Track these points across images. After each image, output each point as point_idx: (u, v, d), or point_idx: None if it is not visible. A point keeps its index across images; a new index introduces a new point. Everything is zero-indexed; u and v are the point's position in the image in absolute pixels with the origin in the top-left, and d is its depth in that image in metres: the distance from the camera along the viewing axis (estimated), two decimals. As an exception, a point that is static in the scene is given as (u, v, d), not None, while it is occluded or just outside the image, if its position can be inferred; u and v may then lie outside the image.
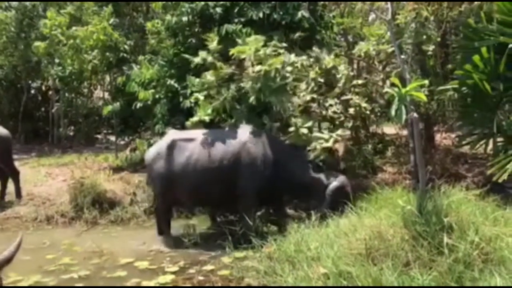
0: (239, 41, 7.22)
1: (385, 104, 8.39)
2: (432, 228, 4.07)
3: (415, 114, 4.65)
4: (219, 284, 4.87)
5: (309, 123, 6.53)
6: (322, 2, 9.46)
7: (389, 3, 5.73)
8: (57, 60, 13.02)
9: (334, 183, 5.99)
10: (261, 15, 8.17)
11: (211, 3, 8.58)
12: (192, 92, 7.64)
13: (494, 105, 5.51)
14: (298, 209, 7.12)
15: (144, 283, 4.98)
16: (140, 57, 9.74)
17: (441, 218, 4.11)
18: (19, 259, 5.65)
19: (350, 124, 7.42)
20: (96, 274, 5.30)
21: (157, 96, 8.93)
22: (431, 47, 8.72)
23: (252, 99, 6.66)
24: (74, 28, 10.74)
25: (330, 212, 5.37)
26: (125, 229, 7.26)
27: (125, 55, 10.64)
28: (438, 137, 10.51)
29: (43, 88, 16.57)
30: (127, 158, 9.75)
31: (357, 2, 10.51)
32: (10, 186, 8.36)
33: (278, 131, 6.94)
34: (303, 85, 7.24)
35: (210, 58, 7.14)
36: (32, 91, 16.49)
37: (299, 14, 8.30)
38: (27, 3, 14.37)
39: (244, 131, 6.40)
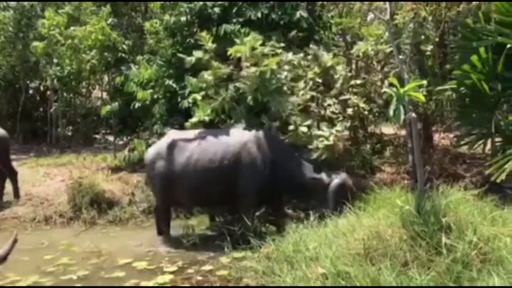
0: (238, 41, 7.22)
1: (383, 104, 8.41)
2: (430, 228, 4.07)
3: (413, 114, 4.65)
4: (218, 284, 4.87)
5: (308, 122, 6.54)
6: (320, 2, 9.47)
7: (387, 3, 5.74)
8: (55, 60, 13.00)
9: (336, 181, 5.97)
10: (259, 15, 8.18)
11: (209, 3, 8.58)
12: (190, 92, 7.65)
13: (492, 105, 5.51)
14: (297, 209, 7.13)
15: (143, 284, 4.97)
16: (139, 57, 9.72)
17: (439, 218, 4.12)
18: (18, 259, 5.72)
19: (348, 124, 7.43)
20: (95, 275, 5.28)
21: (155, 96, 8.93)
22: (430, 47, 8.74)
23: (249, 99, 6.66)
24: (72, 28, 10.73)
25: (335, 210, 5.37)
26: (123, 229, 7.25)
27: (123, 55, 10.63)
28: (436, 137, 10.52)
29: (41, 88, 16.53)
30: (126, 158, 9.73)
31: (356, 2, 10.50)
32: (8, 186, 8.34)
33: (277, 131, 6.95)
34: (301, 84, 7.24)
35: (206, 57, 7.14)
36: (30, 91, 16.43)
37: (298, 14, 8.31)
38: (25, 3, 14.33)
39: (244, 131, 6.39)
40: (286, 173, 6.15)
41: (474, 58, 5.30)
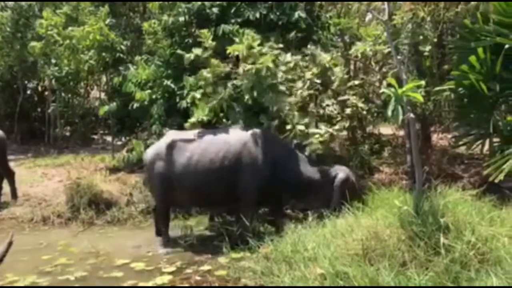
0: (237, 39, 7.22)
1: (381, 104, 8.41)
2: (429, 228, 4.08)
3: (412, 115, 4.66)
4: (216, 284, 4.87)
5: (306, 120, 6.54)
6: (319, 3, 9.48)
7: (385, 3, 5.73)
8: (53, 60, 12.99)
9: (340, 175, 5.97)
10: (258, 15, 8.18)
11: (207, 3, 8.57)
12: (188, 92, 7.63)
13: (490, 105, 5.52)
14: (295, 209, 7.12)
15: (141, 284, 4.96)
16: (137, 57, 9.70)
17: (437, 218, 4.12)
18: (16, 260, 5.70)
19: (346, 124, 7.43)
20: (93, 275, 5.27)
21: (153, 96, 8.90)
22: (428, 48, 8.72)
23: (247, 98, 6.66)
24: (70, 28, 10.70)
25: (340, 204, 5.38)
26: (121, 230, 7.24)
27: (121, 55, 10.60)
28: (434, 137, 10.53)
29: (39, 88, 16.52)
30: (124, 158, 9.71)
31: (354, 3, 10.51)
32: (6, 187, 8.32)
33: (276, 130, 6.94)
34: (299, 83, 7.24)
35: (205, 55, 7.13)
36: (28, 92, 16.42)
37: (296, 15, 8.31)
38: (23, 3, 14.32)
39: (245, 131, 6.37)
40: (287, 172, 6.14)
41: (472, 58, 5.31)
